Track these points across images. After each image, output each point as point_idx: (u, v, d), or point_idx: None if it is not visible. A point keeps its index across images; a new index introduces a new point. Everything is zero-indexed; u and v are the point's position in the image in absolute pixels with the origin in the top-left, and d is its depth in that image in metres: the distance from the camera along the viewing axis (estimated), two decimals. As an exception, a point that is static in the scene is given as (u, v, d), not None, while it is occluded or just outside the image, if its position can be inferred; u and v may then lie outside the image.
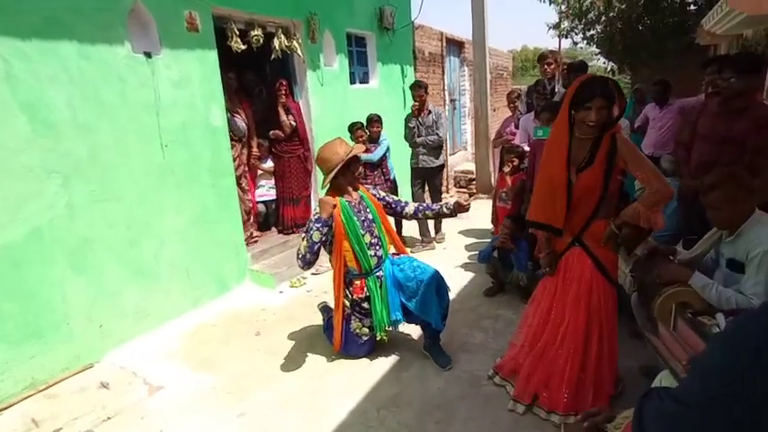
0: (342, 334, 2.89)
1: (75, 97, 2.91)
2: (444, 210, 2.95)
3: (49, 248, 2.83)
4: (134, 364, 3.05)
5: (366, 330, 2.90)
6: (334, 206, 2.70)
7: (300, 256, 2.72)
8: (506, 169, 4.19)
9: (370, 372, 2.84)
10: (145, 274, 3.38)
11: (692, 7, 9.39)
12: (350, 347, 2.94)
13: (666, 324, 1.91)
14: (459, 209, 2.86)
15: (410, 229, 5.23)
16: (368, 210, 2.87)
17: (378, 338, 2.88)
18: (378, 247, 2.87)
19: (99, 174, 3.05)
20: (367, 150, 4.54)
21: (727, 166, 2.39)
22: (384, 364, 2.92)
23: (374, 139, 4.70)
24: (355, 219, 2.77)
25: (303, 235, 2.75)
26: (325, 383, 2.77)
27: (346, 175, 2.77)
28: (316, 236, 2.67)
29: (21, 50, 2.65)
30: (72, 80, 2.89)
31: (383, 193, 3.08)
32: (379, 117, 4.73)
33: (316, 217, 2.70)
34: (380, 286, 2.85)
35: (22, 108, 2.68)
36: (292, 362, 3.00)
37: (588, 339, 2.27)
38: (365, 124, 4.68)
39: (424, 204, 3.11)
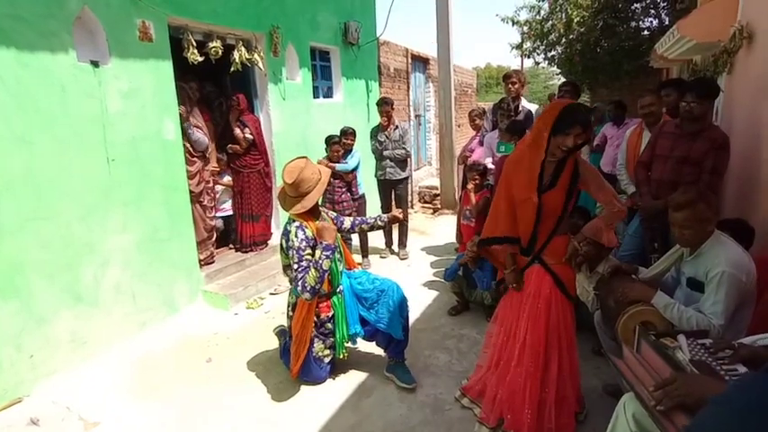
0: (303, 359, 2.77)
1: (11, 108, 2.70)
2: (378, 222, 3.06)
3: (-27, 271, 2.58)
4: (68, 397, 2.80)
5: (327, 352, 2.82)
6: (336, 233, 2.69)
7: (309, 288, 2.50)
8: (470, 186, 4.21)
9: (330, 399, 2.72)
10: (83, 298, 3.13)
11: (646, 32, 9.92)
12: (311, 372, 2.82)
13: (630, 344, 1.92)
14: (394, 220, 2.97)
15: (375, 240, 5.20)
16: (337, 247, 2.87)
17: (339, 356, 2.81)
18: (340, 264, 2.87)
19: (34, 190, 2.82)
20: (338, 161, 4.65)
21: (688, 185, 2.44)
22: (344, 390, 2.80)
23: (347, 152, 4.76)
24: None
25: (302, 265, 2.54)
26: (282, 413, 2.63)
27: (323, 195, 2.71)
28: (327, 264, 2.55)
29: (-53, 56, 2.43)
30: (8, 90, 2.67)
31: (333, 215, 3.05)
32: (353, 130, 4.82)
33: (325, 244, 2.57)
34: (340, 301, 2.81)
35: (-53, 118, 2.45)
36: (246, 390, 2.84)
37: (548, 357, 2.25)
38: (338, 137, 4.70)
39: (359, 219, 3.13)
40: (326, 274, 2.60)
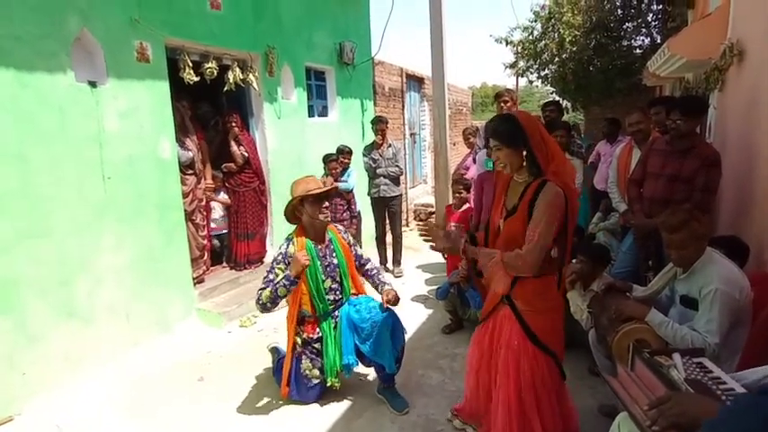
0: (290, 375, 2.75)
1: (8, 126, 2.74)
2: (381, 287, 2.90)
3: (-34, 289, 2.59)
4: (60, 416, 2.77)
5: (317, 373, 2.77)
6: (304, 268, 2.60)
7: (261, 303, 2.61)
8: (453, 201, 4.25)
9: (320, 420, 2.70)
10: (76, 316, 3.13)
11: (638, 51, 10.10)
12: (299, 391, 2.79)
13: (624, 362, 1.91)
14: (390, 300, 2.74)
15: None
16: (334, 254, 2.79)
17: (328, 384, 2.76)
18: (338, 292, 2.81)
19: (29, 208, 2.84)
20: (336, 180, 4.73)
21: (680, 204, 2.44)
22: (336, 410, 2.78)
23: (343, 171, 4.87)
24: (318, 263, 2.69)
25: (267, 278, 2.62)
26: (273, 428, 2.60)
27: (315, 206, 2.65)
28: (282, 291, 2.59)
29: (-53, 76, 2.48)
30: (5, 108, 2.72)
31: (352, 241, 3.00)
32: (350, 149, 4.97)
33: (286, 273, 2.59)
34: (335, 327, 2.76)
35: (-55, 137, 2.49)
36: (237, 409, 2.82)
37: (528, 418, 2.00)
38: (336, 155, 4.83)
39: (375, 271, 3.03)
40: (282, 299, 2.61)
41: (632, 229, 3.25)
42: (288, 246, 2.68)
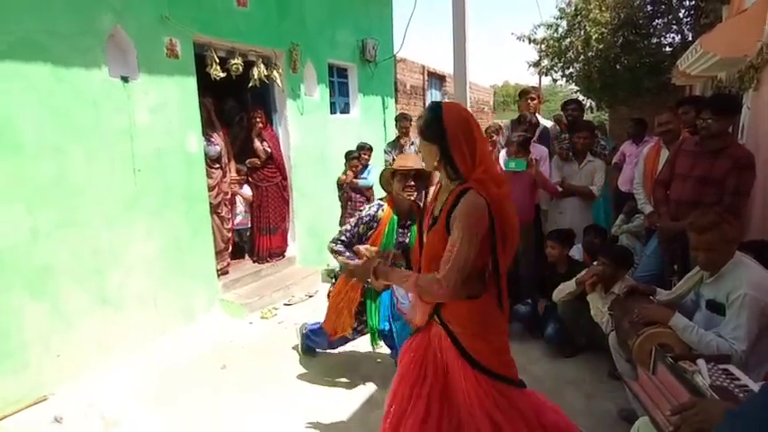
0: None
1: (46, 120, 2.86)
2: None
3: (7, 274, 2.72)
4: (91, 397, 2.90)
5: (350, 331, 2.91)
6: (354, 279, 2.74)
7: (330, 248, 2.76)
8: None
9: (338, 412, 2.74)
10: (108, 303, 3.26)
11: (668, 49, 9.80)
12: (318, 335, 3.05)
13: (645, 366, 1.87)
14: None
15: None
16: (408, 235, 2.85)
17: (373, 345, 2.98)
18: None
19: (66, 198, 2.97)
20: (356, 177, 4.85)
21: (707, 207, 2.37)
22: (353, 403, 2.82)
23: (363, 168, 4.92)
24: (394, 237, 2.78)
25: (341, 232, 2.80)
26: (291, 422, 2.66)
27: (401, 182, 2.69)
28: (339, 259, 2.76)
29: (-9, 71, 2.61)
30: (43, 102, 2.85)
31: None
32: (370, 146, 5.01)
33: (348, 261, 2.68)
34: (378, 295, 2.88)
35: (-12, 129, 2.62)
36: (257, 397, 2.89)
37: None
38: (356, 152, 4.90)
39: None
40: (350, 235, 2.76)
41: (657, 231, 3.17)
42: (378, 210, 2.76)
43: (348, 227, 2.78)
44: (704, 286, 2.17)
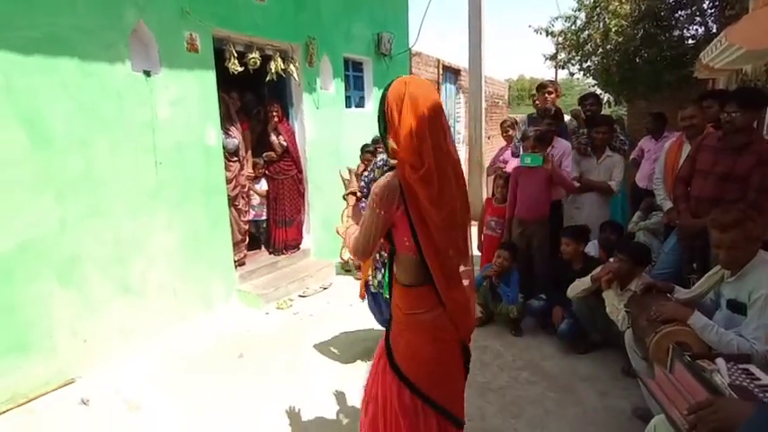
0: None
1: (74, 113, 2.95)
2: None
3: (37, 262, 2.83)
4: (115, 381, 3.01)
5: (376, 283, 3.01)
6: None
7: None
8: (493, 195, 4.23)
9: (355, 399, 2.79)
10: (131, 291, 3.36)
11: (691, 41, 9.55)
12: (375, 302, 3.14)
13: (662, 365, 1.85)
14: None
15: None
16: None
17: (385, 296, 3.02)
18: None
19: (92, 189, 3.07)
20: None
21: (729, 204, 2.33)
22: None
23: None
24: None
25: None
26: (307, 409, 2.73)
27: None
28: (378, 173, 2.84)
29: (21, 65, 2.70)
30: (71, 96, 2.93)
31: None
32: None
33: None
34: None
35: (20, 122, 2.71)
36: (273, 386, 2.96)
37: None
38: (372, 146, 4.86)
39: None
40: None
41: (677, 229, 3.12)
42: None
43: (364, 174, 2.83)
44: (725, 285, 2.14)
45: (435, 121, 1.42)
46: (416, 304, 1.54)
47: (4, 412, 2.68)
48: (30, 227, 2.78)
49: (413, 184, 1.40)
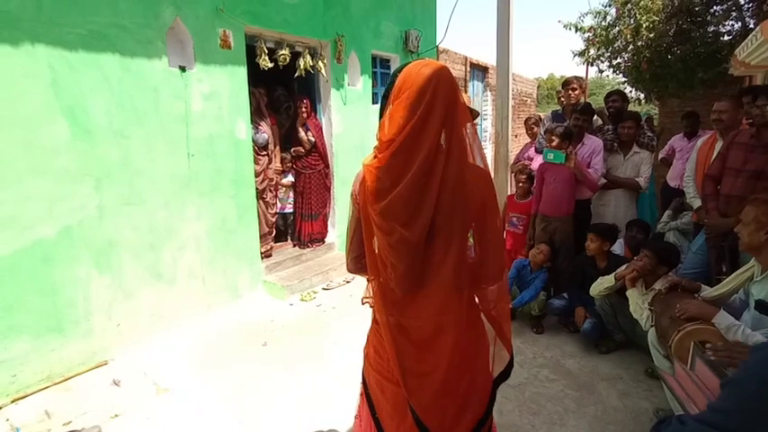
0: None
1: (113, 106, 3.09)
2: None
3: (77, 247, 2.98)
4: (145, 364, 3.14)
5: None
6: None
7: None
8: (515, 191, 4.21)
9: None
10: (163, 278, 3.50)
11: (726, 37, 9.21)
12: None
13: (683, 362, 1.84)
14: None
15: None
16: None
17: None
18: None
19: (128, 178, 3.21)
20: None
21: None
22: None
23: None
24: None
25: None
26: (326, 397, 2.80)
27: None
28: None
29: (67, 60, 2.85)
30: (111, 90, 3.07)
31: None
32: None
33: None
34: None
35: (64, 113, 2.86)
36: (295, 374, 3.04)
37: None
38: None
39: None
40: None
41: (705, 228, 3.06)
42: None
43: None
44: (754, 284, 2.10)
45: (426, 122, 1.16)
46: (377, 304, 1.36)
47: (42, 389, 2.84)
48: (70, 213, 2.93)
49: (366, 172, 1.24)
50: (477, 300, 1.36)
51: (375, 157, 1.23)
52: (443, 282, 1.24)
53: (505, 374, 1.49)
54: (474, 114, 2.93)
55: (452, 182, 1.19)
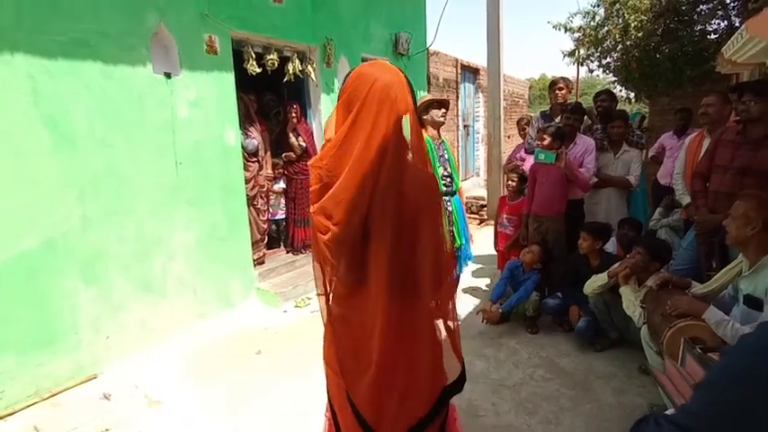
0: None
1: (95, 114, 3.04)
2: None
3: (61, 259, 2.91)
4: (136, 377, 3.08)
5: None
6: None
7: None
8: (506, 192, 4.21)
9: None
10: (152, 289, 3.44)
11: (713, 36, 9.33)
12: None
13: (675, 358, 1.86)
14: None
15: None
16: (445, 150, 3.27)
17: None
18: (449, 180, 3.25)
19: (114, 188, 3.15)
20: None
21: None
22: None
23: None
24: (435, 153, 3.14)
25: None
26: (322, 405, 2.74)
27: (437, 108, 3.16)
28: None
29: (47, 68, 2.79)
30: (93, 98, 3.02)
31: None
32: None
33: None
34: (450, 213, 3.23)
35: (45, 122, 2.81)
36: (291, 382, 2.99)
37: None
38: None
39: None
40: None
41: (694, 225, 3.09)
42: None
43: None
44: (743, 279, 2.11)
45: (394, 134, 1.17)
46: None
47: (30, 405, 2.77)
48: (54, 225, 2.87)
49: (310, 173, 1.28)
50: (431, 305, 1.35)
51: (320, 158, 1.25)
52: (378, 283, 1.24)
53: (456, 385, 1.45)
54: (444, 104, 3.17)
55: (384, 183, 1.17)
